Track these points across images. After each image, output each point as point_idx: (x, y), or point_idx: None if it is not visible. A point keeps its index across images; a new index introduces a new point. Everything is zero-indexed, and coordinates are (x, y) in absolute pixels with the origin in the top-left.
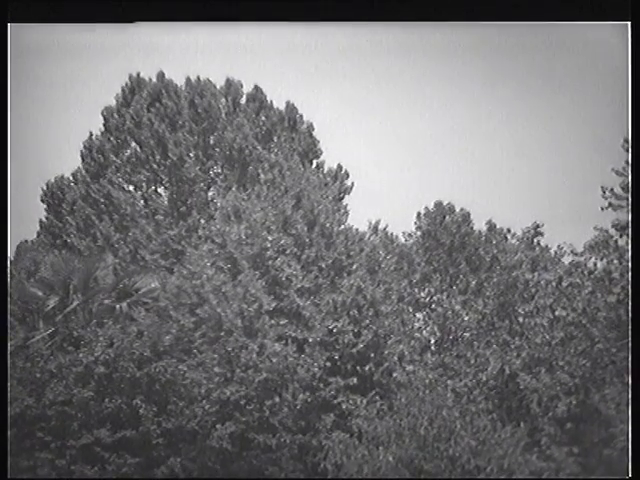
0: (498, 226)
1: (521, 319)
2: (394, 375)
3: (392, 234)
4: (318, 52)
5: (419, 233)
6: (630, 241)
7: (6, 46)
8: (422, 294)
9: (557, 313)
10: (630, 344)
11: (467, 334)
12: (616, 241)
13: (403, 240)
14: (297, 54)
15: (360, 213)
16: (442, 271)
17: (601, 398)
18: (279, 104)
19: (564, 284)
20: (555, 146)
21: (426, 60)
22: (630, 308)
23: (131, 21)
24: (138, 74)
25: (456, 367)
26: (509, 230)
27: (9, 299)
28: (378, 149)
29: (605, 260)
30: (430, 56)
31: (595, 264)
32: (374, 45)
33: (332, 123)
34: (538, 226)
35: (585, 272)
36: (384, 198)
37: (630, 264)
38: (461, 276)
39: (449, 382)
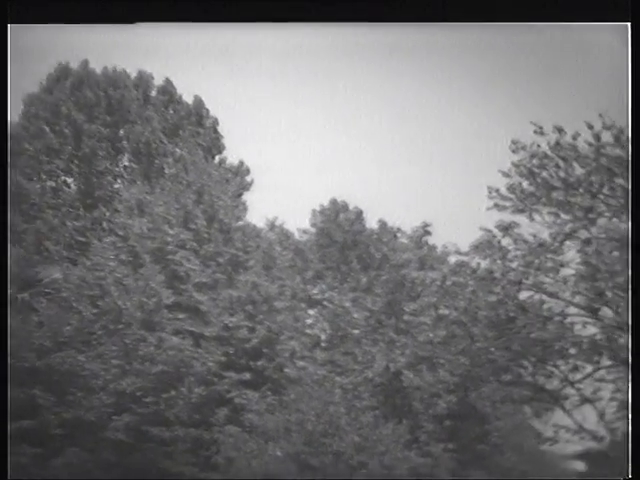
0: (389, 225)
1: (406, 317)
2: (285, 371)
3: (288, 231)
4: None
5: (314, 230)
6: (630, 240)
7: (6, 46)
8: (315, 291)
9: (440, 312)
10: (630, 343)
11: (356, 331)
12: (499, 241)
13: (298, 237)
14: (216, 53)
15: (258, 209)
16: (334, 268)
17: (478, 396)
18: (188, 98)
19: (448, 283)
20: (446, 147)
21: (334, 60)
22: (630, 307)
23: (131, 22)
24: (67, 63)
25: (344, 364)
26: (399, 229)
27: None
28: (278, 147)
29: (488, 260)
30: (337, 55)
31: (479, 264)
32: (287, 45)
33: (235, 119)
34: (427, 225)
35: (468, 271)
36: (281, 195)
37: (630, 264)
38: (352, 274)
39: (337, 379)
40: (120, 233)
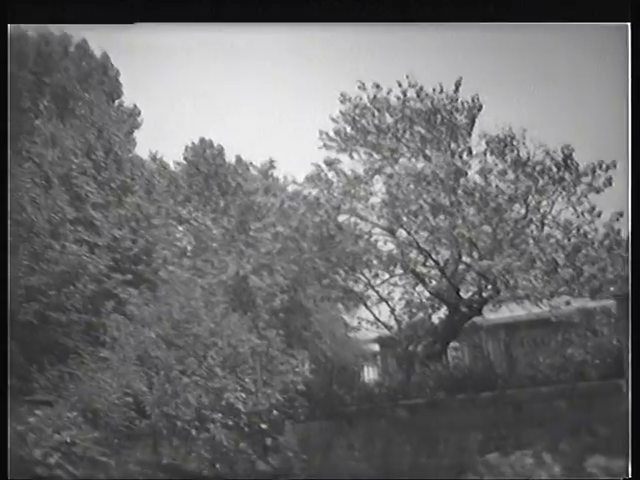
0: (244, 159)
1: (252, 233)
2: (159, 273)
3: (166, 162)
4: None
5: (185, 162)
6: (630, 237)
7: (6, 46)
8: (184, 211)
9: (278, 229)
10: (630, 342)
11: (214, 244)
12: (326, 174)
13: (173, 167)
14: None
15: (144, 145)
16: (200, 194)
17: (304, 295)
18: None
19: (285, 206)
20: (292, 102)
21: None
22: (630, 305)
23: (131, 22)
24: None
25: (204, 269)
26: (251, 163)
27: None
28: (164, 95)
29: (317, 189)
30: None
31: (310, 192)
32: None
33: (136, 69)
34: (273, 161)
35: (301, 198)
36: (162, 134)
37: (630, 263)
38: (213, 198)
39: (198, 280)
40: (36, 160)
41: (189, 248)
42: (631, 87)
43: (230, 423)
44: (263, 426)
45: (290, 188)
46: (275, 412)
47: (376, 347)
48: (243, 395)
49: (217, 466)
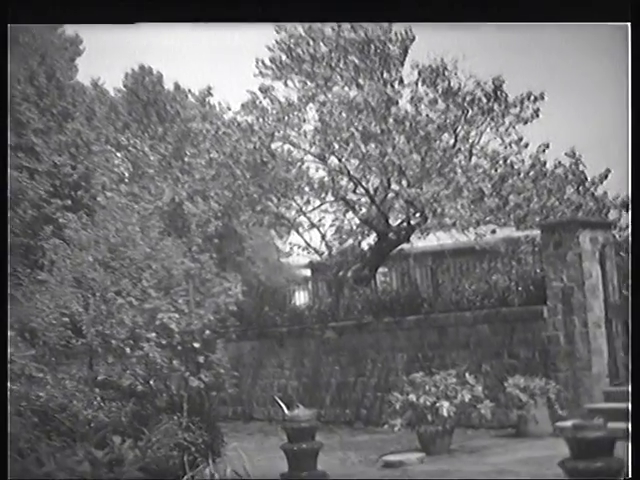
0: (182, 87)
1: (188, 159)
2: (97, 199)
3: (106, 89)
4: None
5: (125, 89)
6: (630, 236)
7: (6, 46)
8: (123, 138)
9: (212, 155)
10: (630, 341)
11: (151, 170)
12: (260, 102)
13: (113, 94)
14: None
15: (85, 71)
16: (139, 121)
17: (237, 222)
18: None
19: (220, 133)
20: (230, 33)
21: None
22: (630, 304)
23: (132, 22)
24: None
25: (141, 195)
26: (190, 90)
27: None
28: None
29: (251, 116)
30: None
31: (245, 120)
32: None
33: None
34: (210, 88)
35: (235, 124)
36: (103, 61)
37: (630, 263)
38: (152, 125)
39: (135, 206)
40: None
41: (127, 174)
42: (631, 87)
43: (163, 342)
44: (196, 345)
45: (226, 115)
46: (207, 332)
47: (307, 272)
48: (176, 315)
49: (151, 382)
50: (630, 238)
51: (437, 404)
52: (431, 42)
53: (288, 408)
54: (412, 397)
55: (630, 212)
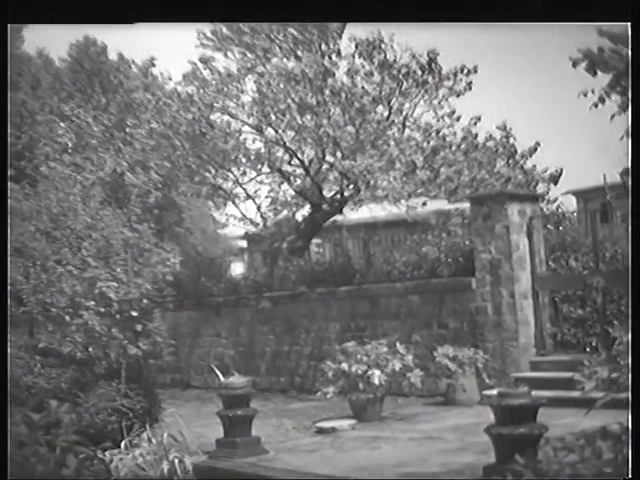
0: (126, 57)
1: (128, 129)
2: (40, 169)
3: (51, 59)
4: None
5: (69, 59)
6: (630, 232)
7: (6, 46)
8: (67, 108)
9: (152, 126)
10: (630, 340)
11: (94, 141)
12: (201, 72)
13: (58, 64)
14: None
15: (32, 41)
16: (82, 91)
17: (176, 193)
18: None
19: (160, 104)
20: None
21: None
22: (630, 303)
23: (131, 22)
24: None
25: (84, 165)
26: (133, 60)
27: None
28: None
29: (192, 86)
30: None
31: (186, 91)
32: None
33: None
34: (154, 59)
35: (175, 95)
36: (47, 32)
37: (630, 261)
38: (95, 96)
39: (78, 177)
40: None
41: (70, 145)
42: (631, 87)
43: (102, 310)
44: (134, 313)
45: (168, 86)
46: (145, 301)
47: (243, 243)
48: (115, 284)
49: (90, 350)
50: (630, 238)
51: (368, 373)
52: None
53: (224, 376)
54: (344, 366)
55: (630, 212)
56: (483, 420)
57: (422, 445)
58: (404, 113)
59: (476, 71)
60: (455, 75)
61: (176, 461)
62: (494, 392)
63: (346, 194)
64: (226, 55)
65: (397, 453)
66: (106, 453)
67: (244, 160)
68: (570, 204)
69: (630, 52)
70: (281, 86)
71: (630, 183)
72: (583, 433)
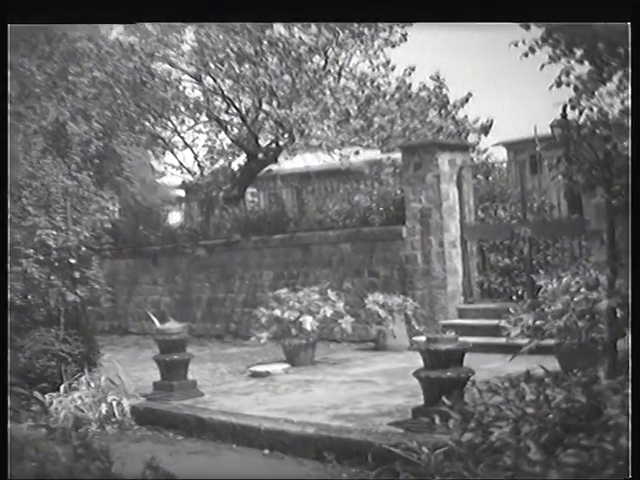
0: None
1: (71, 78)
2: None
3: None
4: None
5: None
6: (630, 236)
7: (6, 46)
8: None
9: (94, 74)
10: (630, 340)
11: (37, 90)
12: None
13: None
14: None
15: None
16: (27, 40)
17: (117, 142)
18: None
19: (102, 52)
20: None
21: None
22: (630, 303)
23: (132, 22)
24: None
25: (27, 115)
26: None
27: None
28: None
29: (132, 36)
30: None
31: (128, 40)
32: None
33: None
34: None
35: (117, 44)
36: None
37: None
38: (40, 45)
39: (20, 126)
40: None
41: (13, 94)
42: (631, 87)
43: (41, 258)
44: (72, 261)
45: (110, 36)
46: (84, 248)
47: (181, 192)
48: (54, 232)
49: (29, 297)
50: (630, 237)
51: (301, 319)
52: None
53: (160, 322)
54: (277, 312)
55: (630, 210)
56: (412, 365)
57: (353, 388)
58: (340, 63)
59: (411, 23)
60: (391, 27)
61: (114, 403)
62: (423, 338)
63: (281, 143)
64: None
65: (329, 396)
66: (45, 396)
67: (183, 109)
68: (500, 155)
69: (630, 52)
70: (220, 37)
71: (630, 183)
72: (508, 377)
